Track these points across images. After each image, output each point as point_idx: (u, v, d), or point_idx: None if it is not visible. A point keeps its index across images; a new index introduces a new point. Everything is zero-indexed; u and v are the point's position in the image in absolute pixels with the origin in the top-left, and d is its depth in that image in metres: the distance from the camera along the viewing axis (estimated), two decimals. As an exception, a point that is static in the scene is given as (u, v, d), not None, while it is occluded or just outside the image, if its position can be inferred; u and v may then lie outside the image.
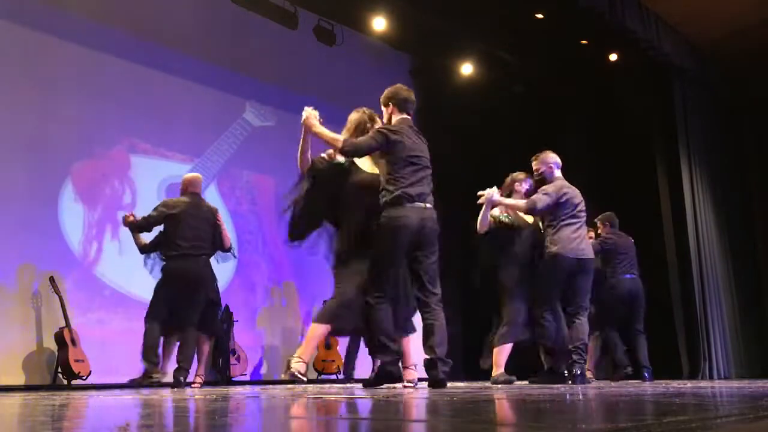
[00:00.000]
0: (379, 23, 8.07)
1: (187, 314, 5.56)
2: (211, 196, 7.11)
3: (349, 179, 4.30)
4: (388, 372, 4.13)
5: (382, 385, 4.26)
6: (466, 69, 8.82)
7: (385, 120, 4.33)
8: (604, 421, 1.74)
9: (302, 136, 4.26)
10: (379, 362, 4.28)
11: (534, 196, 5.27)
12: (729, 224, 8.56)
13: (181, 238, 5.61)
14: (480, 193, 5.32)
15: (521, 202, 5.32)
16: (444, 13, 7.84)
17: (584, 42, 8.06)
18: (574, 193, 5.32)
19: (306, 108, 4.26)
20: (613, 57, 8.16)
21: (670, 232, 8.01)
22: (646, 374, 6.44)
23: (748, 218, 9.07)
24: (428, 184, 4.19)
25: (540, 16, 7.61)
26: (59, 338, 5.65)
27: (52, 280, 5.78)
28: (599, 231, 6.77)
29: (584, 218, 5.36)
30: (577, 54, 8.18)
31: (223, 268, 6.74)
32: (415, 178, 4.10)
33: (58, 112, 6.28)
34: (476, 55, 8.75)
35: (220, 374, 6.77)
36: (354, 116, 4.41)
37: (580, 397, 2.97)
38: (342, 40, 8.44)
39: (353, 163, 4.33)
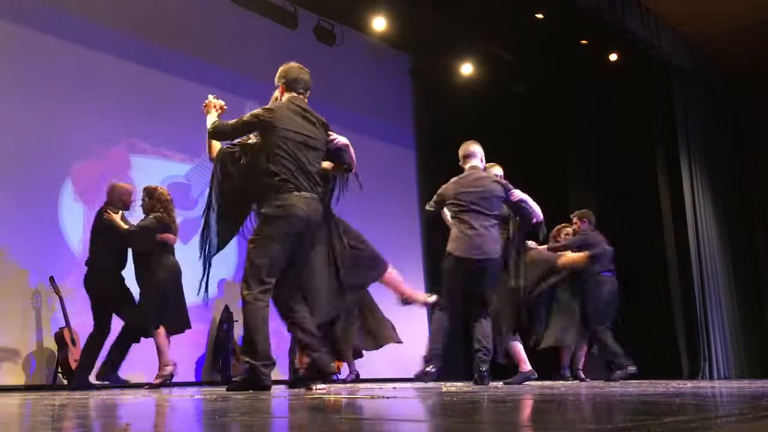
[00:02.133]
0: (379, 23, 8.06)
1: None
2: (211, 196, 7.10)
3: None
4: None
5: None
6: (466, 69, 8.81)
7: (272, 99, 4.07)
8: (605, 421, 1.74)
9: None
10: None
11: None
12: (729, 224, 8.56)
13: None
14: None
15: None
16: (444, 13, 7.83)
17: (584, 42, 8.06)
18: (469, 184, 4.95)
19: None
20: (613, 57, 8.16)
21: (670, 232, 8.01)
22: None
23: (748, 218, 9.07)
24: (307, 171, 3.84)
25: (540, 16, 7.61)
26: (59, 338, 5.65)
27: (52, 280, 5.77)
28: (575, 227, 6.65)
29: (491, 214, 4.88)
30: (577, 54, 8.18)
31: (222, 267, 6.75)
32: (293, 165, 3.78)
33: (58, 112, 6.28)
34: (476, 55, 8.74)
35: (220, 374, 6.77)
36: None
37: (580, 397, 2.97)
38: (342, 40, 8.43)
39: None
